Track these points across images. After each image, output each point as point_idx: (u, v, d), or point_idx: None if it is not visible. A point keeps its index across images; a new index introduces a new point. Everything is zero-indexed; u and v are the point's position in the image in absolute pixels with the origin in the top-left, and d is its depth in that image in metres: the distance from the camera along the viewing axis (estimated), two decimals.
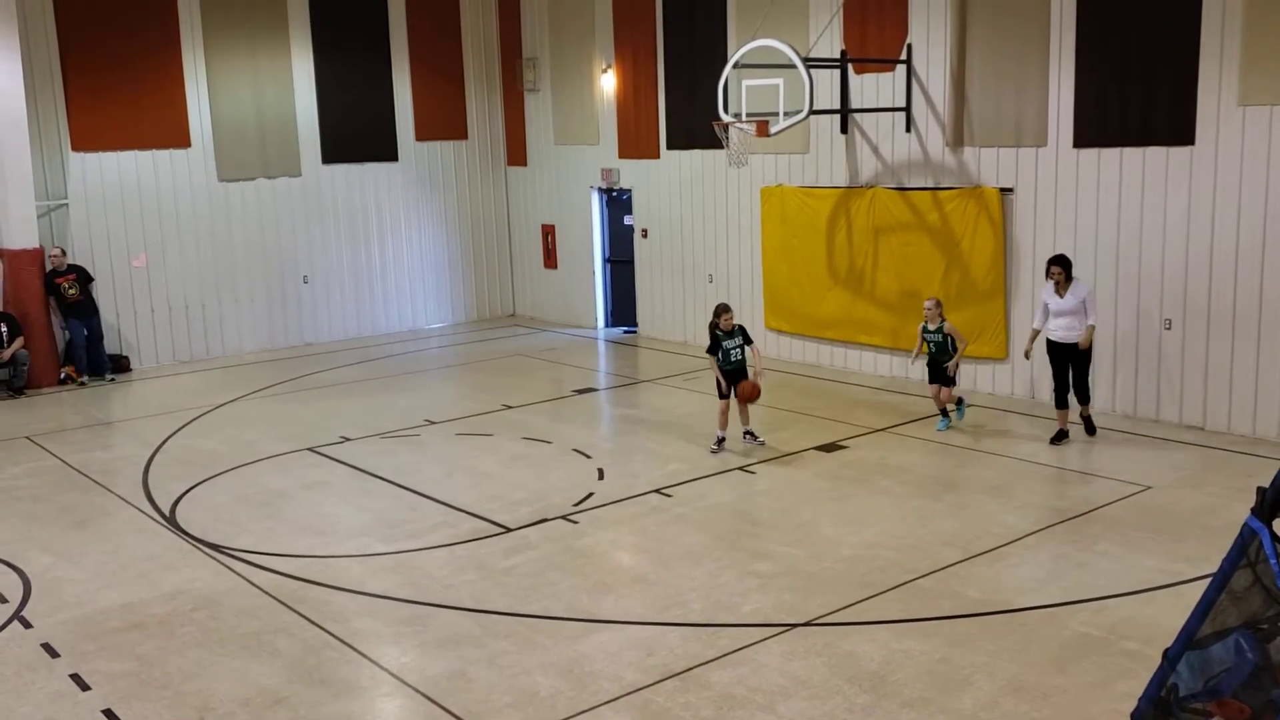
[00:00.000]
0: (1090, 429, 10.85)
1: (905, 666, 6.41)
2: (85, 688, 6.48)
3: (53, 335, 14.88)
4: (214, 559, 8.47)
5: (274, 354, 16.52)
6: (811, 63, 12.02)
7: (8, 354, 14.24)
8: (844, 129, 13.65)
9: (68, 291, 14.67)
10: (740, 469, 10.27)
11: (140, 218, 15.64)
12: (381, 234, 17.82)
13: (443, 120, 18.18)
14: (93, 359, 15.03)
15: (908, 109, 12.92)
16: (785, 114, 11.72)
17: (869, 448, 10.81)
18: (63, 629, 7.28)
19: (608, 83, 16.74)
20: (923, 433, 11.20)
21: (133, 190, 15.55)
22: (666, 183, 16.19)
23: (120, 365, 15.48)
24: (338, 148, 17.14)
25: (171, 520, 9.35)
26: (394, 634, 7.10)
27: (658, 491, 9.67)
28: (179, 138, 15.79)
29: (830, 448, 10.83)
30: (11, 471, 10.94)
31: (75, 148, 15.05)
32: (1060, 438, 10.68)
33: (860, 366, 13.97)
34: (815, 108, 11.84)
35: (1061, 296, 10.48)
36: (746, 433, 10.91)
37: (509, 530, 8.78)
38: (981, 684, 6.20)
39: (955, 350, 11.08)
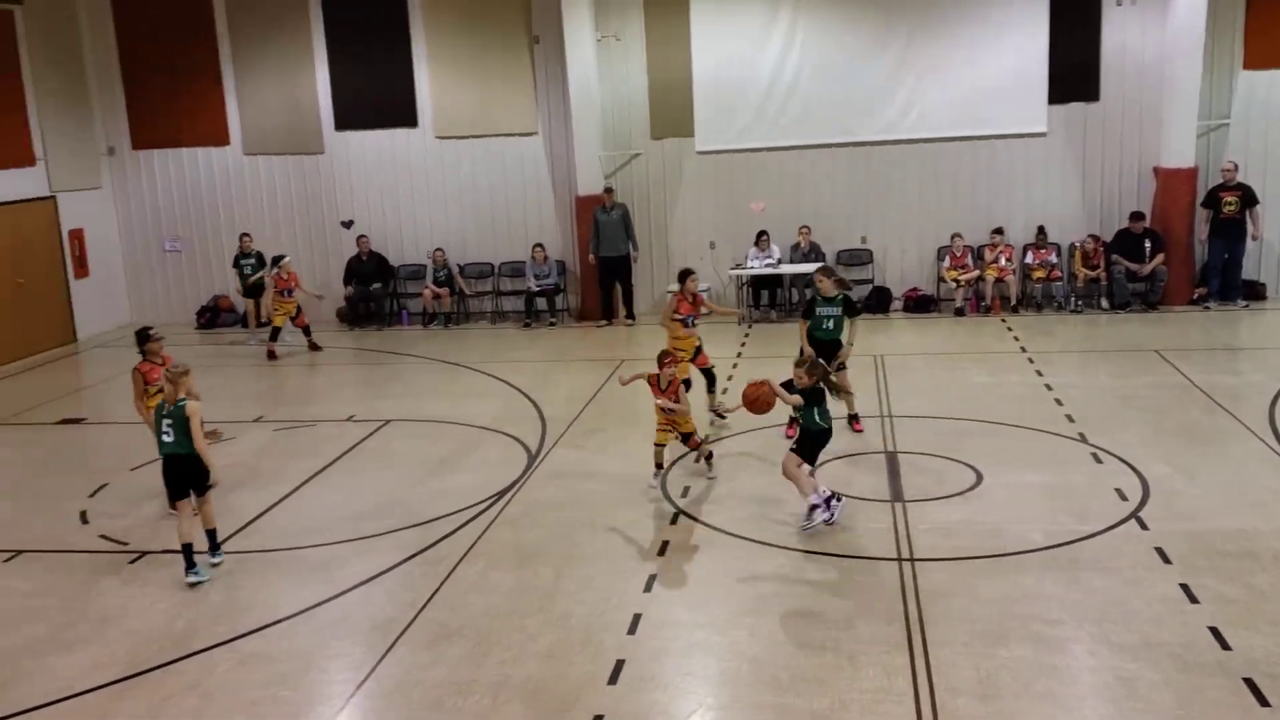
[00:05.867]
0: None
1: None
2: (1193, 600, 6.58)
3: (1192, 255, 15.02)
4: None
5: None
6: None
7: (1147, 269, 14.82)
8: None
9: (1226, 207, 14.55)
10: None
11: None
12: None
13: None
14: (1226, 283, 14.81)
15: None
16: None
17: None
18: (1175, 538, 7.47)
19: None
20: None
21: None
22: None
23: (1255, 292, 15.00)
24: None
25: None
26: None
27: None
28: None
29: None
30: (1139, 381, 11.48)
31: (1247, 66, 14.71)
32: None
33: None
34: None
35: None
36: None
37: None
38: None
39: None
